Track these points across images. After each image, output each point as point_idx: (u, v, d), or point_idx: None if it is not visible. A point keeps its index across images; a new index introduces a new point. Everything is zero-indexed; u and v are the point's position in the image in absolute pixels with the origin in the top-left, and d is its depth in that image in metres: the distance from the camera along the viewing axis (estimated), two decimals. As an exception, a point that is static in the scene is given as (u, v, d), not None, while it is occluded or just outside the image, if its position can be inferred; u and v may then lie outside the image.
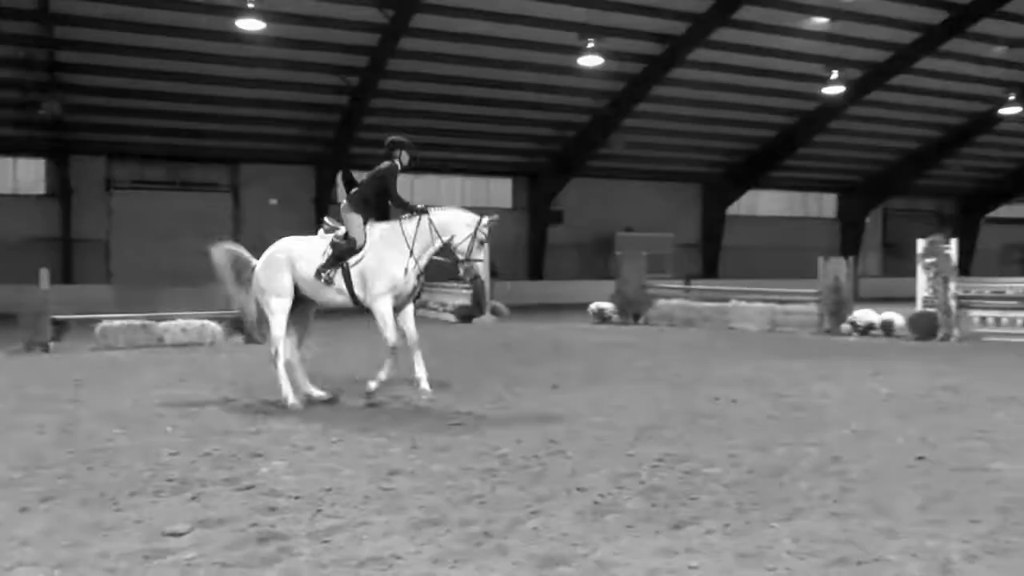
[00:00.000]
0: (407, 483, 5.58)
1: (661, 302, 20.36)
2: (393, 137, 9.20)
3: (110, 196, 28.62)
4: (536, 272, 33.97)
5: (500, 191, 34.52)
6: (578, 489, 5.44)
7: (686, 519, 4.84)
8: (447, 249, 8.74)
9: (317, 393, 8.84)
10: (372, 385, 8.69)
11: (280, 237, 9.18)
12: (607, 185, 35.07)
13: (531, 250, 34.13)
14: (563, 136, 32.01)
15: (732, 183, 36.90)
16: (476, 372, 11.15)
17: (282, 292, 8.74)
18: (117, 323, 15.11)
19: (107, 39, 23.40)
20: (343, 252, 8.67)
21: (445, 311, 21.76)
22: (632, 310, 20.35)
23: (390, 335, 8.59)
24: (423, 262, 8.77)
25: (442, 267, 9.17)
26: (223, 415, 8.16)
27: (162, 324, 15.25)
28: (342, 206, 9.01)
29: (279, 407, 8.39)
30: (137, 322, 15.25)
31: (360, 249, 8.68)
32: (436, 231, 8.67)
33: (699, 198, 38.05)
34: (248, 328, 11.78)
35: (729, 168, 36.66)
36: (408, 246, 8.65)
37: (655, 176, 36.11)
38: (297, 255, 8.82)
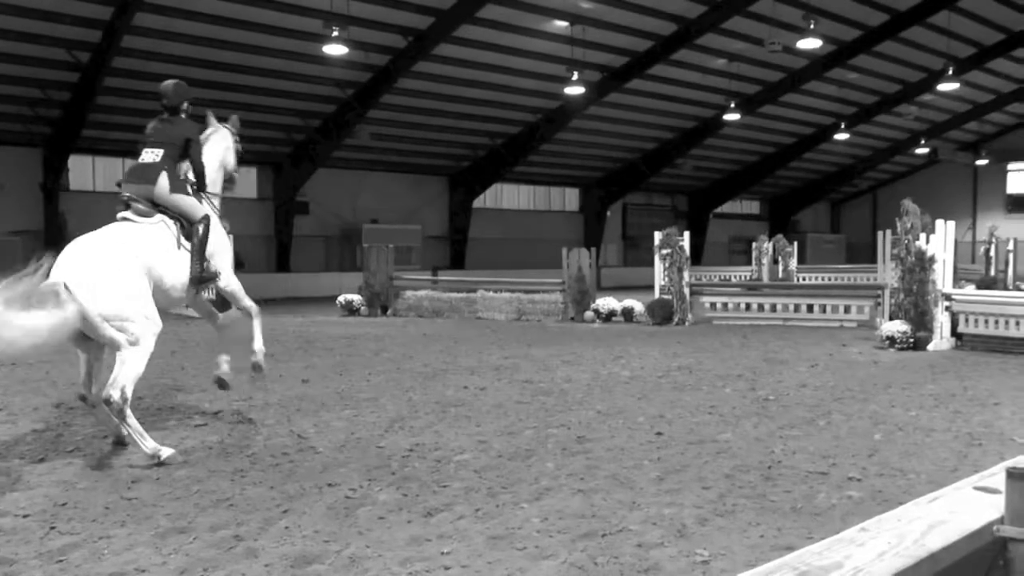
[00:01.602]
0: (151, 491, 5.32)
1: (409, 294, 20.52)
2: (176, 83, 7.32)
3: None
4: (282, 264, 33.18)
5: (244, 181, 33.24)
6: (329, 485, 5.41)
7: (437, 506, 4.94)
8: None
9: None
10: (257, 354, 7.69)
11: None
12: (353, 176, 34.84)
13: (277, 241, 33.29)
14: (308, 125, 31.43)
15: (478, 176, 37.69)
16: (221, 369, 10.75)
17: (153, 309, 6.41)
18: None
19: None
20: (205, 238, 7.03)
21: (188, 306, 20.78)
22: (380, 302, 20.37)
23: (250, 302, 7.73)
24: None
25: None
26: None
27: None
28: (159, 189, 6.83)
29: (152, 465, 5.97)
30: None
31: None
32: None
33: (445, 191, 38.57)
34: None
35: (475, 162, 37.41)
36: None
37: (401, 168, 36.26)
38: (150, 253, 6.55)
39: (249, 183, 33.36)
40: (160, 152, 7.00)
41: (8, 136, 27.04)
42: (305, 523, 4.67)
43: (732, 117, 35.83)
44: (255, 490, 5.31)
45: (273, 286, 29.14)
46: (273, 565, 4.08)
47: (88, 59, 24.43)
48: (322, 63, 26.67)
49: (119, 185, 7.18)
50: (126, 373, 6.05)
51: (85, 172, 29.62)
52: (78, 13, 22.76)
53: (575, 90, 29.88)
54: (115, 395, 5.97)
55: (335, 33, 24.17)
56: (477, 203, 38.67)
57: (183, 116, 7.28)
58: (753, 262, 28.85)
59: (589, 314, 17.81)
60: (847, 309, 16.45)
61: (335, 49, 24.99)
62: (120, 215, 6.85)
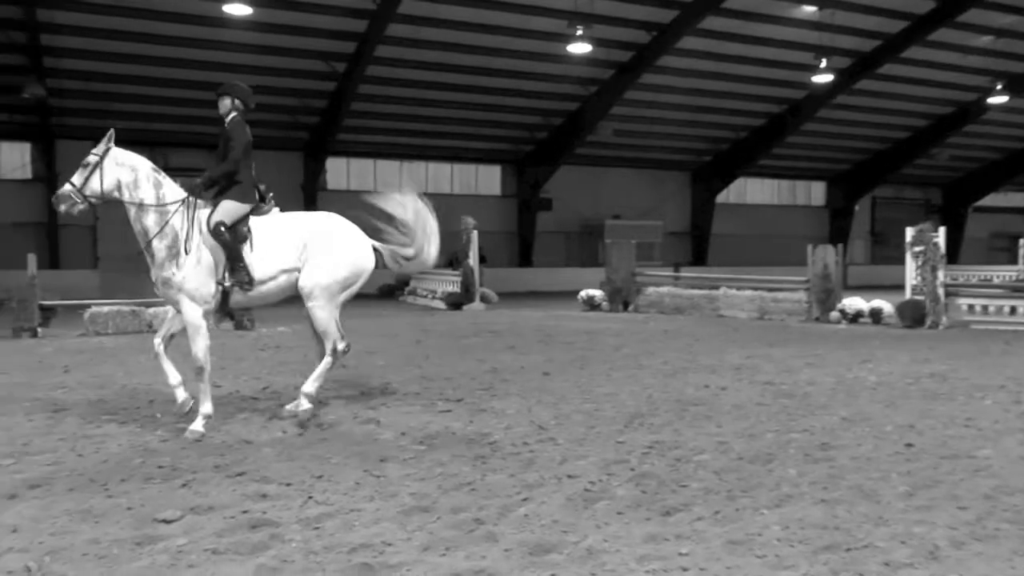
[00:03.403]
0: (397, 470, 5.57)
1: (650, 290, 20.39)
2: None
3: (96, 181, 28.35)
4: (525, 259, 34.01)
5: (489, 178, 34.48)
6: (568, 476, 5.45)
7: (676, 506, 4.85)
8: None
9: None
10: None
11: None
12: (595, 172, 35.11)
13: (520, 237, 34.16)
14: (550, 123, 31.98)
15: (720, 171, 36.98)
16: (466, 359, 11.15)
17: None
18: (106, 309, 15.00)
19: (91, 23, 23.15)
20: None
21: (435, 298, 21.76)
22: (621, 298, 20.38)
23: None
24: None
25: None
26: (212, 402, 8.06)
27: (151, 310, 15.15)
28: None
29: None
30: (126, 308, 15.15)
31: None
32: None
33: (687, 186, 38.13)
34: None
35: (717, 156, 36.73)
36: None
37: (643, 164, 36.16)
38: None
39: (493, 181, 34.40)
40: None
41: (271, 142, 29.28)
42: (543, 512, 4.73)
43: (997, 100, 33.03)
44: (495, 477, 5.44)
45: (515, 280, 29.92)
46: (512, 550, 4.15)
47: (344, 69, 26.09)
48: (565, 62, 27.07)
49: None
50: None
51: (340, 173, 31.65)
52: (334, 28, 24.40)
53: (822, 78, 28.69)
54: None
55: (579, 32, 24.47)
56: (720, 198, 37.94)
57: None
58: (1019, 260, 26.54)
59: (834, 314, 16.98)
60: None
61: (579, 48, 25.29)
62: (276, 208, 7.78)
